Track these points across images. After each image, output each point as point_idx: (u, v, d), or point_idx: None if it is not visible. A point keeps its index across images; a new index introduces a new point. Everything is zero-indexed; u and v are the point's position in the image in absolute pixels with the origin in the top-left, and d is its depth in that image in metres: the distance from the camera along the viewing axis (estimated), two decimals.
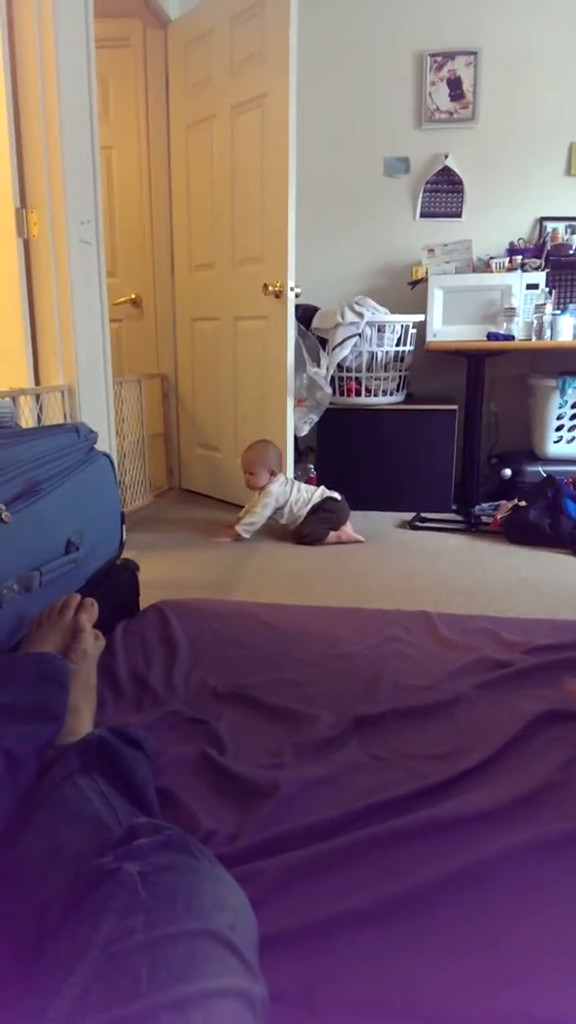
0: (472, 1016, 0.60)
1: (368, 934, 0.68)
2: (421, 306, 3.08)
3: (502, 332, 2.92)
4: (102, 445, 1.74)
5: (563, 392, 2.94)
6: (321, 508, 2.65)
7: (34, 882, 0.62)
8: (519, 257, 3.13)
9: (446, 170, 3.37)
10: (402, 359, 3.14)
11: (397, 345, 3.11)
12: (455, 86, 3.30)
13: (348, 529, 2.65)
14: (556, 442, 3.05)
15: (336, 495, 2.71)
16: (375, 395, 3.13)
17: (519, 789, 0.88)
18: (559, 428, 3.03)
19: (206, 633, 1.41)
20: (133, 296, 3.43)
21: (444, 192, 3.40)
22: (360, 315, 3.01)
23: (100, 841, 0.64)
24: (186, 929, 0.53)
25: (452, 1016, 0.60)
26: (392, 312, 3.11)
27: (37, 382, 2.14)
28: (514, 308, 2.93)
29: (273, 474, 2.69)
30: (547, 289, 3.00)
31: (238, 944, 0.54)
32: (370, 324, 3.04)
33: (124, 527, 1.64)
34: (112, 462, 1.58)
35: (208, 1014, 0.48)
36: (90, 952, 0.51)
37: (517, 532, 2.61)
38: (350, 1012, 0.60)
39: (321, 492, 2.70)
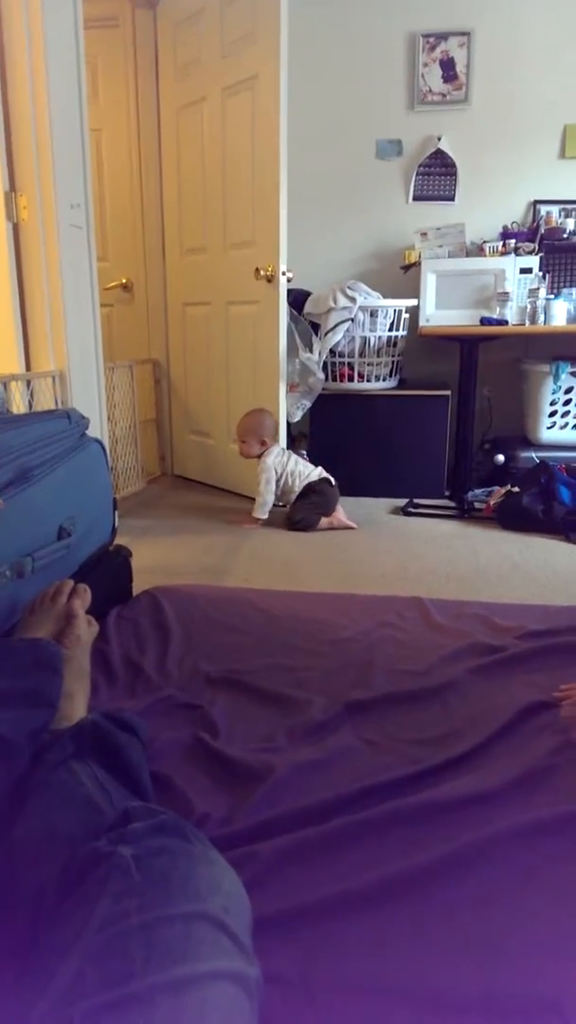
0: (467, 997, 0.60)
1: (362, 916, 0.69)
2: (414, 291, 3.07)
3: (495, 317, 2.91)
4: (94, 431, 1.73)
5: (556, 377, 2.94)
6: (312, 491, 2.66)
7: (29, 866, 0.63)
8: (513, 241, 3.12)
9: (439, 153, 3.34)
10: (395, 344, 3.13)
11: (390, 330, 3.10)
12: (448, 67, 3.26)
13: (340, 515, 2.65)
14: (549, 428, 3.05)
15: (331, 479, 2.71)
16: (368, 380, 3.12)
17: (511, 773, 0.89)
18: (552, 414, 3.03)
19: (199, 619, 1.41)
20: (124, 281, 3.40)
21: (437, 175, 3.37)
22: (352, 300, 3.00)
23: (94, 825, 0.65)
24: (181, 912, 0.53)
25: (447, 997, 0.60)
26: (385, 297, 3.10)
27: (28, 368, 2.13)
28: (508, 292, 2.91)
29: (265, 444, 2.70)
30: (541, 273, 2.99)
31: (232, 927, 0.55)
32: (363, 309, 3.02)
33: (116, 513, 1.63)
34: (104, 448, 1.58)
35: (203, 996, 0.48)
36: (85, 935, 0.52)
37: (510, 518, 2.62)
38: (345, 994, 0.61)
39: (319, 472, 2.70)
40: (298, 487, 2.66)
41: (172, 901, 0.54)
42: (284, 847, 0.77)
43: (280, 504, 2.76)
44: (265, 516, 2.66)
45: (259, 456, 2.70)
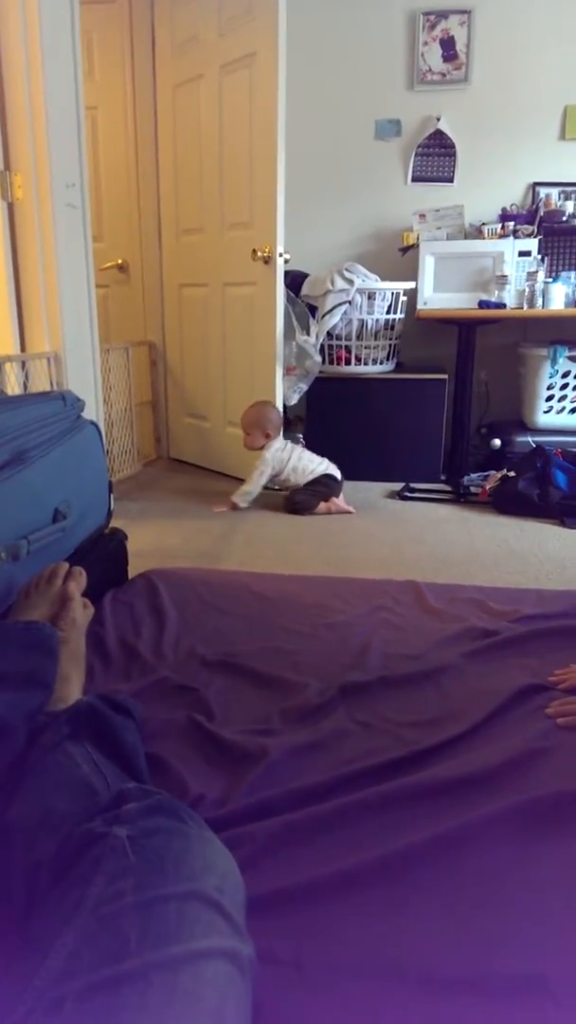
0: (457, 976, 0.61)
1: (355, 896, 0.69)
2: (412, 273, 3.04)
3: (494, 300, 2.90)
4: (89, 413, 1.72)
5: (554, 362, 2.93)
6: (317, 481, 2.65)
7: (24, 847, 0.63)
8: (511, 223, 3.09)
9: (438, 133, 3.30)
10: (392, 327, 3.11)
11: (387, 313, 3.08)
12: (448, 46, 3.22)
13: (338, 500, 2.65)
14: (546, 412, 3.04)
15: (337, 474, 2.70)
16: (365, 364, 3.11)
17: (504, 755, 0.89)
18: (549, 398, 3.02)
19: (195, 602, 1.41)
20: (120, 261, 3.37)
21: (436, 156, 3.34)
22: (350, 282, 2.97)
23: (89, 806, 0.65)
24: (175, 891, 0.54)
25: (437, 976, 0.61)
26: (383, 279, 3.07)
27: (23, 349, 2.11)
28: (506, 276, 2.90)
29: (268, 436, 2.68)
30: (539, 256, 2.97)
31: (226, 906, 0.55)
32: (360, 291, 3.00)
33: (112, 496, 1.63)
34: (100, 430, 1.57)
35: (197, 974, 0.49)
36: (79, 914, 0.52)
37: (506, 502, 2.62)
38: (337, 972, 0.62)
39: (325, 467, 2.69)
40: (303, 482, 2.64)
41: (167, 881, 0.54)
42: (278, 828, 0.77)
43: (276, 488, 2.76)
44: (245, 505, 2.64)
45: (262, 448, 2.69)
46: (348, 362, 3.11)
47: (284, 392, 2.89)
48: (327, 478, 2.67)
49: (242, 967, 0.53)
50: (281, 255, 2.67)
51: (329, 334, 3.06)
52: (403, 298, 3.09)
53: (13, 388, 1.94)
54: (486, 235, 3.10)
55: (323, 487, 2.64)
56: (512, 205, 3.27)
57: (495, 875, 0.72)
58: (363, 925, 0.66)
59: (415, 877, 0.71)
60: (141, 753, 0.84)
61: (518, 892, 0.70)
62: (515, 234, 3.04)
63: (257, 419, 2.68)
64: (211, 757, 0.92)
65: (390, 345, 3.14)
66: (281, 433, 2.76)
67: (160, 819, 0.60)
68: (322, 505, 2.61)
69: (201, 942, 0.51)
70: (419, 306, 3.00)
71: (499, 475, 2.75)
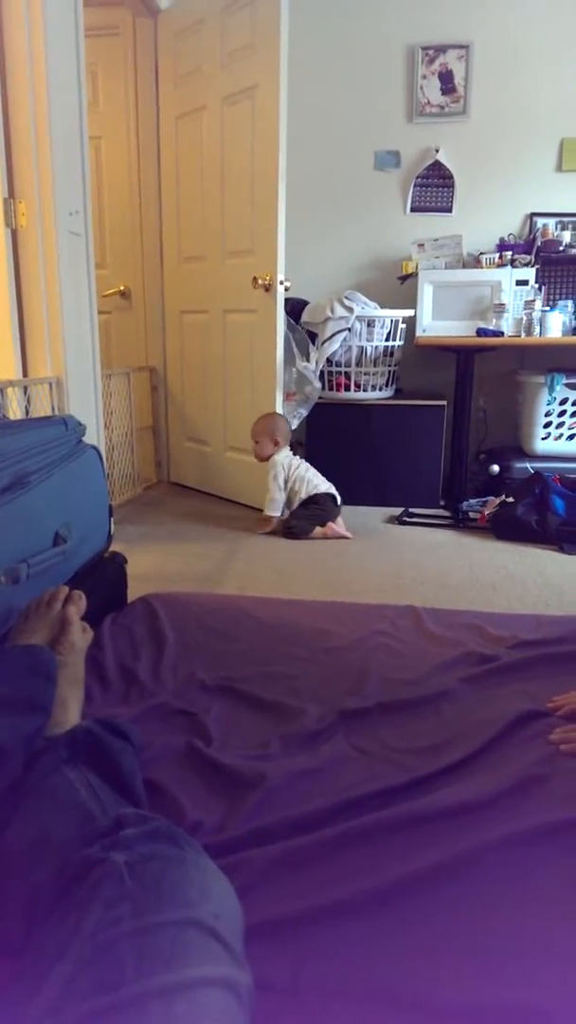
0: (454, 1006, 0.60)
1: (353, 924, 0.69)
2: (411, 300, 3.09)
3: (492, 328, 2.93)
4: (90, 438, 1.74)
5: (551, 389, 2.96)
6: (314, 502, 2.67)
7: (21, 872, 0.63)
8: (509, 253, 3.14)
9: (437, 164, 3.37)
10: (391, 354, 3.15)
11: (387, 340, 3.12)
12: (447, 80, 3.30)
13: (335, 525, 2.66)
14: (544, 439, 3.07)
15: (337, 497, 2.73)
16: (364, 390, 3.14)
17: (503, 782, 0.89)
18: (547, 425, 3.05)
19: (194, 626, 1.41)
20: (122, 288, 3.42)
21: (435, 187, 3.40)
22: (350, 309, 3.01)
23: (87, 831, 0.65)
24: (172, 918, 0.54)
25: (434, 1006, 0.60)
26: (382, 307, 3.12)
27: (25, 374, 2.13)
28: (504, 304, 2.94)
29: (277, 444, 2.75)
30: (537, 285, 3.01)
31: (223, 933, 0.55)
32: (360, 319, 3.04)
33: (112, 520, 1.63)
34: (100, 455, 1.58)
35: (193, 1002, 0.49)
36: (77, 941, 0.52)
37: (504, 528, 2.63)
38: (334, 1000, 0.61)
39: (328, 487, 2.73)
40: (304, 494, 2.68)
41: (163, 907, 0.54)
42: (276, 855, 0.77)
43: (279, 516, 2.77)
44: (277, 513, 2.69)
45: (271, 457, 2.75)
46: (348, 388, 3.13)
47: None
48: (327, 497, 2.69)
49: (239, 995, 0.52)
50: (281, 283, 2.71)
51: (329, 360, 3.09)
52: (402, 325, 3.13)
53: (15, 413, 1.95)
54: (484, 264, 3.15)
55: (320, 510, 2.66)
56: (510, 235, 3.33)
57: (493, 902, 0.71)
58: (361, 953, 0.66)
59: (413, 905, 0.71)
60: (139, 778, 0.84)
61: (517, 919, 0.69)
62: (513, 263, 3.09)
63: (266, 427, 2.75)
64: (210, 782, 0.92)
65: (389, 372, 3.17)
66: (289, 444, 2.80)
67: (158, 845, 0.60)
68: (318, 530, 2.62)
69: (197, 970, 0.51)
70: (418, 333, 3.04)
71: (498, 501, 2.76)
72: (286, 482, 2.72)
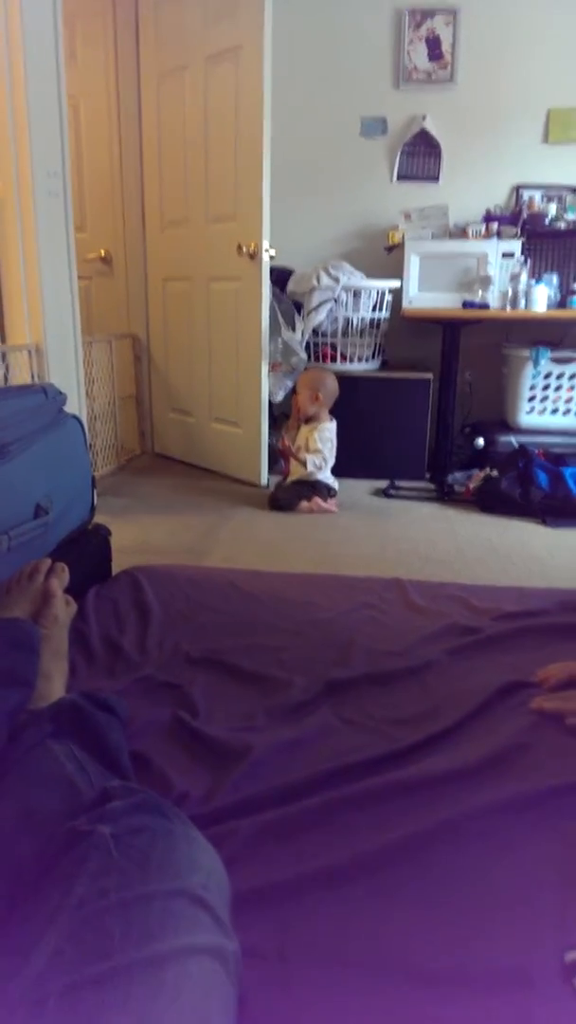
0: (440, 968, 0.61)
1: (339, 891, 0.69)
2: (397, 271, 3.05)
3: (478, 301, 2.91)
4: (71, 407, 1.70)
5: (536, 363, 2.95)
6: (311, 485, 2.65)
7: (6, 846, 0.62)
8: (495, 224, 3.11)
9: (424, 132, 3.31)
10: (378, 325, 3.12)
11: (373, 311, 3.08)
12: (434, 45, 3.22)
13: (319, 500, 2.64)
14: (528, 413, 3.07)
15: (335, 488, 2.71)
16: (350, 361, 3.11)
17: (486, 751, 0.90)
18: (531, 399, 3.05)
19: (179, 599, 1.41)
20: (103, 252, 3.34)
21: (422, 155, 3.34)
22: (336, 279, 2.97)
23: (73, 804, 0.64)
24: (159, 889, 0.54)
25: (420, 969, 0.61)
26: (368, 277, 3.08)
27: (3, 340, 2.08)
28: (490, 276, 2.91)
29: (318, 400, 2.71)
30: (523, 258, 2.99)
31: (211, 903, 0.55)
32: (346, 289, 3.00)
33: (95, 491, 1.61)
34: (82, 425, 1.55)
35: (182, 971, 0.49)
36: (63, 913, 0.51)
37: (489, 501, 2.64)
38: (321, 966, 0.62)
39: (332, 480, 2.72)
40: (309, 465, 2.66)
41: (151, 879, 0.54)
42: (262, 824, 0.77)
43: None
44: (310, 469, 2.66)
45: (307, 420, 2.72)
46: (334, 359, 3.11)
47: (270, 388, 2.88)
48: (322, 485, 2.67)
49: (227, 963, 0.53)
50: (267, 250, 2.66)
51: (315, 331, 3.05)
52: (388, 297, 3.10)
53: None
54: (470, 236, 3.11)
55: (311, 490, 2.64)
56: (496, 206, 3.29)
57: (477, 869, 0.72)
58: (347, 919, 0.66)
59: (398, 872, 0.72)
60: (125, 750, 0.84)
61: (499, 886, 0.70)
62: (499, 235, 3.06)
63: (311, 380, 2.74)
64: (196, 754, 0.92)
65: (375, 343, 3.15)
66: (330, 407, 2.78)
67: (144, 817, 0.60)
68: (304, 504, 2.61)
69: (185, 939, 0.51)
70: (404, 305, 3.01)
71: (482, 474, 2.77)
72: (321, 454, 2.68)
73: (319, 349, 3.10)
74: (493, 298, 2.91)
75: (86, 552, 1.46)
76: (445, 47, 3.21)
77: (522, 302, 2.86)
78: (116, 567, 1.56)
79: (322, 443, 2.67)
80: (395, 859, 0.73)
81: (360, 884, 0.70)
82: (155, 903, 0.53)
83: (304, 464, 2.65)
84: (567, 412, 3.04)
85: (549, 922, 0.66)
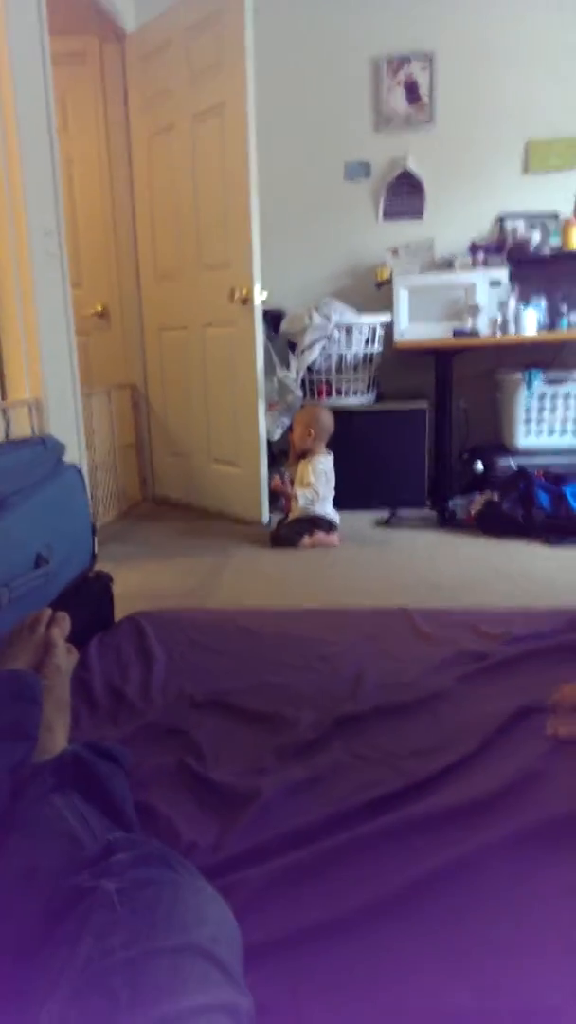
0: (464, 1016, 0.59)
1: (354, 939, 0.67)
2: (388, 305, 3.09)
3: (468, 329, 2.94)
4: (72, 458, 1.72)
5: (530, 385, 2.97)
6: (311, 522, 2.64)
7: (9, 905, 0.61)
8: (481, 254, 3.16)
9: (406, 172, 3.39)
10: (371, 359, 3.15)
11: (365, 346, 3.12)
12: (411, 89, 3.32)
13: (321, 534, 2.63)
14: (526, 435, 3.07)
15: (336, 522, 2.70)
16: (346, 396, 3.14)
17: (502, 780, 0.88)
18: (528, 420, 3.06)
19: (183, 642, 1.39)
20: (100, 308, 3.41)
21: (405, 194, 3.42)
22: (327, 317, 3.02)
23: (76, 860, 0.63)
24: (167, 945, 0.52)
25: (443, 1018, 0.59)
26: (360, 313, 3.12)
27: (3, 397, 2.11)
28: (478, 305, 2.95)
29: (311, 435, 2.74)
30: (510, 285, 3.03)
31: (221, 957, 0.53)
32: (338, 326, 3.04)
33: (96, 539, 1.61)
34: (81, 474, 1.56)
35: None
36: (67, 975, 0.50)
37: (491, 525, 2.63)
38: (338, 1017, 0.59)
39: (333, 514, 2.72)
40: (303, 500, 2.66)
41: (158, 934, 0.52)
42: (273, 872, 0.75)
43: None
44: (304, 504, 2.67)
45: (303, 455, 2.74)
46: (330, 394, 3.13)
47: (268, 427, 2.90)
48: (324, 520, 2.67)
49: (240, 1020, 0.50)
50: (258, 294, 2.71)
51: (309, 368, 3.09)
52: (380, 331, 3.14)
53: None
54: (457, 267, 3.17)
55: (312, 526, 2.64)
56: (480, 237, 3.35)
57: (497, 907, 0.70)
58: (369, 968, 0.64)
59: (416, 915, 0.69)
60: (130, 801, 0.82)
61: (528, 921, 0.68)
62: (485, 264, 3.11)
63: (305, 416, 2.79)
64: (203, 801, 0.90)
65: (370, 377, 3.18)
66: (325, 441, 2.80)
67: (150, 869, 0.58)
68: (306, 539, 2.60)
69: (196, 998, 0.49)
70: (396, 338, 3.04)
71: (483, 498, 2.76)
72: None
73: (315, 386, 3.13)
74: (483, 325, 2.95)
75: (87, 600, 1.45)
76: (423, 90, 3.31)
77: (512, 327, 2.89)
78: (120, 614, 1.56)
79: (315, 476, 2.68)
80: (416, 900, 0.71)
81: (381, 929, 0.68)
82: (163, 960, 0.51)
83: (296, 500, 2.66)
84: (564, 432, 3.05)
85: (571, 959, 0.63)
